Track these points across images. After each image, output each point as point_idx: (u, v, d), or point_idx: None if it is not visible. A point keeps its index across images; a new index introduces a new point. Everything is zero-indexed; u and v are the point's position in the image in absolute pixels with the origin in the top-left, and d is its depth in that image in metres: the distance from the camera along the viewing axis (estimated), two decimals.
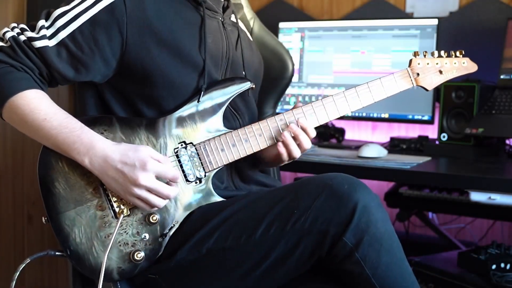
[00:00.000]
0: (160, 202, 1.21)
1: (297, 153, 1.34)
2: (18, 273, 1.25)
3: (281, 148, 1.32)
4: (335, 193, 1.16)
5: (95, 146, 1.20)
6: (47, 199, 1.24)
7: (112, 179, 1.20)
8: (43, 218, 1.25)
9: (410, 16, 2.46)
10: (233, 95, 1.33)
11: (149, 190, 1.19)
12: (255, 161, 1.47)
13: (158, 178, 1.21)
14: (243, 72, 1.42)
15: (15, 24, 1.27)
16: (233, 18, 1.49)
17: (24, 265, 1.26)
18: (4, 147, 2.25)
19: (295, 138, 1.32)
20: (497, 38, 2.18)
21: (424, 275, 1.90)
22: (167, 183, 1.22)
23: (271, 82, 1.73)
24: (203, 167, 1.29)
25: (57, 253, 1.27)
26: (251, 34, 1.73)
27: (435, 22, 2.16)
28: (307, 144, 1.33)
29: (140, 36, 1.26)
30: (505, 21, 2.12)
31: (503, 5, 2.28)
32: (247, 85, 1.35)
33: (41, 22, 1.26)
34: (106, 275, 1.22)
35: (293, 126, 1.32)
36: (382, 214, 1.17)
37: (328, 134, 2.30)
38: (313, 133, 1.34)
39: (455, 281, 1.80)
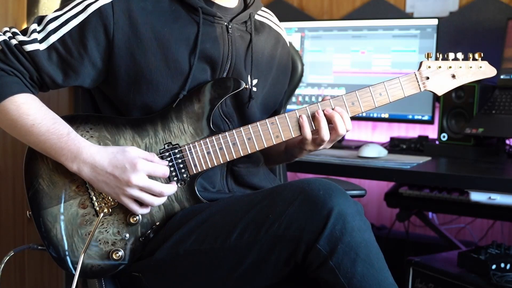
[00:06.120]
0: (154, 200, 1.22)
1: (325, 133, 1.30)
2: (3, 265, 1.31)
3: (306, 129, 1.29)
4: (310, 198, 1.12)
5: (83, 152, 1.21)
6: (31, 195, 1.26)
7: (103, 183, 1.21)
8: (27, 212, 1.27)
9: (410, 16, 2.46)
10: (223, 98, 1.29)
11: (142, 189, 1.21)
12: (266, 152, 1.45)
13: (150, 177, 1.21)
14: (249, 77, 1.37)
15: (7, 28, 1.27)
16: (245, 20, 1.40)
17: (8, 257, 1.31)
18: (4, 147, 2.25)
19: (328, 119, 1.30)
20: (497, 38, 2.18)
21: (424, 275, 1.89)
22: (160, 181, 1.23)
23: None
24: (188, 170, 1.27)
25: (39, 247, 1.30)
26: None
27: (435, 22, 2.16)
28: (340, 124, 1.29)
29: (126, 42, 1.26)
30: (505, 21, 2.12)
31: (503, 5, 2.28)
32: (239, 87, 1.30)
33: (33, 26, 1.26)
34: (84, 272, 1.25)
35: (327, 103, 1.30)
36: (360, 223, 1.12)
37: None
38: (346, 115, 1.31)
39: (455, 281, 1.79)
